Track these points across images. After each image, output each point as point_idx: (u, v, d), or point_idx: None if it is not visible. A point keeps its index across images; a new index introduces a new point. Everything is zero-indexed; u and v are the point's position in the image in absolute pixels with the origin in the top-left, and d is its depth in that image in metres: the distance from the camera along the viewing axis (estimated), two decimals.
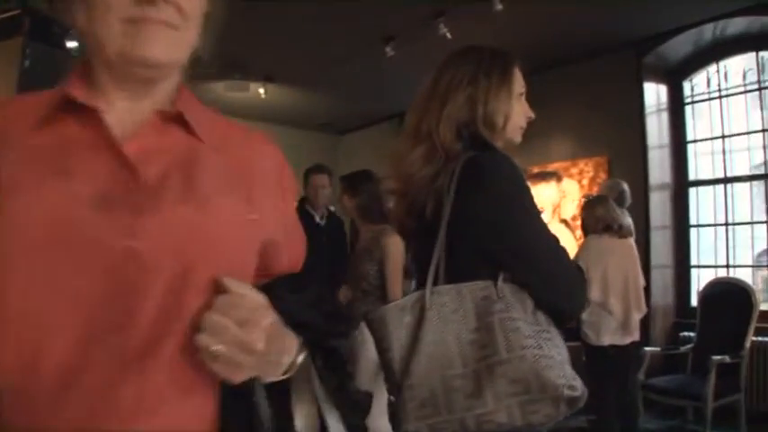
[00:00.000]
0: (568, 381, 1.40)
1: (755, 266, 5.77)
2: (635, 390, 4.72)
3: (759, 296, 5.04)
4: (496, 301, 1.43)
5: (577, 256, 4.26)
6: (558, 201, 6.00)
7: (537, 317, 1.46)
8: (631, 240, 4.36)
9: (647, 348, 5.03)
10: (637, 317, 4.20)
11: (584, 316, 4.15)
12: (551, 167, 6.38)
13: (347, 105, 8.16)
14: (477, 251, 1.50)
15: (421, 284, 1.53)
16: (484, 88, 1.59)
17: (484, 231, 1.50)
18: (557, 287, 1.52)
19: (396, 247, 3.29)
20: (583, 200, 4.73)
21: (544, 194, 6.30)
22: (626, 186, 4.66)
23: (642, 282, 4.32)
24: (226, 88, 7.03)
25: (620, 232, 4.22)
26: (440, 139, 1.57)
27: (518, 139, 1.71)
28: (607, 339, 4.12)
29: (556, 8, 5.32)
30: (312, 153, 7.37)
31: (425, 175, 1.58)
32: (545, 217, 6.18)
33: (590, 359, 4.21)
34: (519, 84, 1.69)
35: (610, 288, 4.13)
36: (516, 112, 1.67)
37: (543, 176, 6.34)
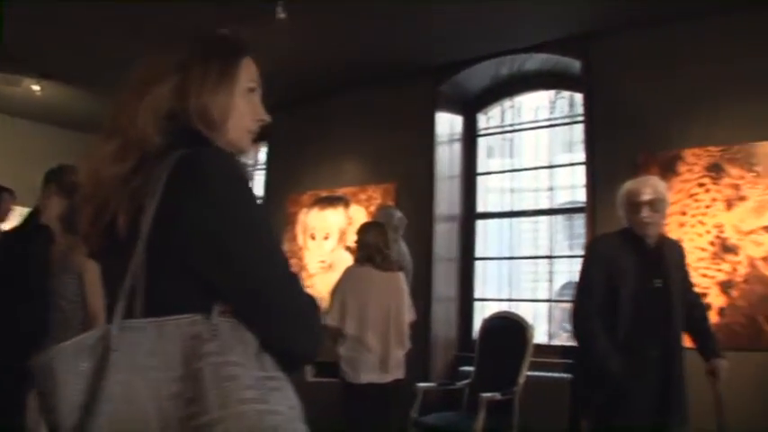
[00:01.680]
0: None
1: (535, 301, 5.80)
2: (405, 429, 4.53)
3: (534, 330, 5.01)
4: (209, 341, 1.09)
5: (336, 285, 4.00)
6: (345, 227, 5.77)
7: (262, 361, 1.14)
8: (400, 274, 4.13)
9: (421, 384, 4.84)
10: (398, 354, 3.98)
11: (342, 351, 3.88)
12: (340, 192, 6.18)
13: None
14: (188, 273, 1.12)
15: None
16: (198, 76, 1.24)
17: (196, 248, 1.11)
18: (285, 323, 1.17)
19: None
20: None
21: (331, 219, 6.09)
22: (399, 213, 4.43)
23: (410, 317, 4.11)
24: None
25: (383, 265, 3.99)
26: (137, 132, 1.19)
27: (245, 144, 1.32)
28: (365, 377, 3.86)
29: (351, 27, 5.15)
30: None
31: (116, 174, 1.18)
32: (331, 243, 6.02)
33: (347, 398, 3.93)
34: (248, 77, 1.31)
35: (368, 322, 3.88)
36: (242, 111, 1.29)
37: (331, 201, 6.14)
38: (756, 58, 4.56)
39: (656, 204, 3.06)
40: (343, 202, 6.01)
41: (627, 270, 3.05)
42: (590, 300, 3.13)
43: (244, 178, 1.19)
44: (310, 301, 1.28)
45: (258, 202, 1.24)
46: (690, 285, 3.31)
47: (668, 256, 3.14)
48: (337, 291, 3.95)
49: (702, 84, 4.78)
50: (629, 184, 3.18)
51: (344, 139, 6.35)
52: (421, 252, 5.52)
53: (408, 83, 6.04)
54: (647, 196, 3.06)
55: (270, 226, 1.27)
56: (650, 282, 3.05)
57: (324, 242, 6.18)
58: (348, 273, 4.04)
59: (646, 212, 3.04)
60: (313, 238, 6.27)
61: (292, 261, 6.40)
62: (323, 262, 6.09)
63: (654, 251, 3.11)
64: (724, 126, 4.67)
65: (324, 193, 6.25)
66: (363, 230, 4.13)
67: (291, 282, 1.23)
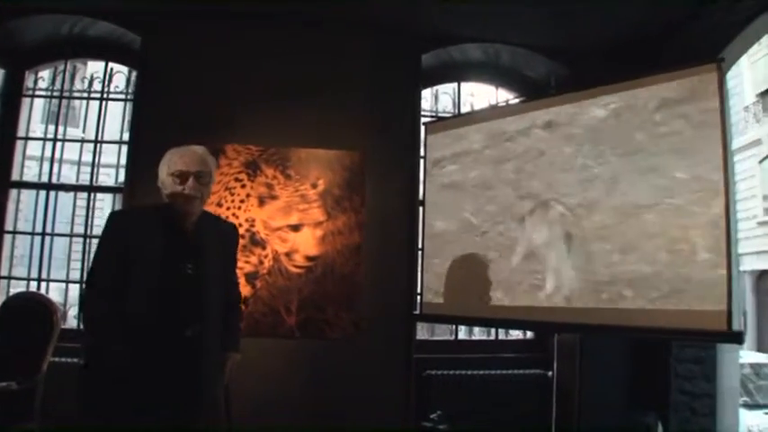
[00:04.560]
0: None
1: (68, 282, 5.48)
2: None
3: (66, 314, 4.74)
4: None
5: None
6: None
7: None
8: None
9: None
10: None
11: None
12: None
13: None
14: None
15: None
16: None
17: None
18: None
19: None
20: None
21: None
22: None
23: None
24: None
25: None
26: None
27: None
28: None
29: None
30: None
31: None
32: None
33: None
34: None
35: None
36: None
37: None
38: (297, 79, 5.15)
39: (204, 178, 2.81)
40: None
41: (152, 252, 2.68)
42: (99, 282, 2.68)
43: None
44: None
45: None
46: (231, 274, 3.16)
47: (208, 240, 2.90)
48: None
49: (250, 87, 5.11)
50: (173, 152, 2.84)
51: None
52: None
53: None
54: (194, 167, 2.78)
55: None
56: (181, 266, 2.75)
57: None
58: None
59: (192, 184, 2.76)
60: None
61: None
62: None
63: (190, 233, 2.85)
64: (264, 128, 4.99)
65: None
66: None
67: None
